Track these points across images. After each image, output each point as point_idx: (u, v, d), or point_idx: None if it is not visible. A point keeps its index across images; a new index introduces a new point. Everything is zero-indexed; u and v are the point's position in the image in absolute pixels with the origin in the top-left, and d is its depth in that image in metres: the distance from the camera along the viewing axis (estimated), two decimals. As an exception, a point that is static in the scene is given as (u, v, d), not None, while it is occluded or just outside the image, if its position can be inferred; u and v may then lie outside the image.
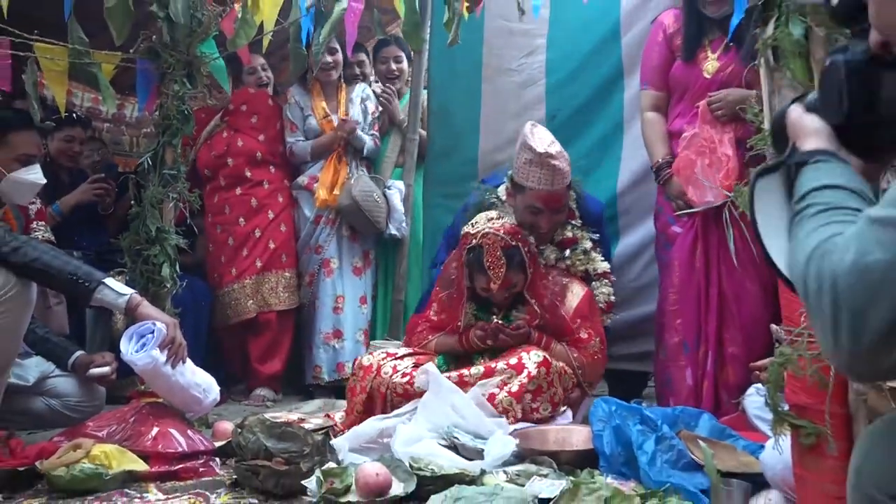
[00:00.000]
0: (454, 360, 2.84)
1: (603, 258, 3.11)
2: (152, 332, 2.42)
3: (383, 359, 2.80)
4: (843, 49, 1.10)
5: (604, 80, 3.57)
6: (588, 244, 3.09)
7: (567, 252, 3.08)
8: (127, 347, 2.41)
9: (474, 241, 2.79)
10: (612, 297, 3.10)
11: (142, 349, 2.40)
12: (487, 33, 3.68)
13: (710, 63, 2.95)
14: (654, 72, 3.13)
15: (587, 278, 3.06)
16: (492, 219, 2.84)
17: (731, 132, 2.87)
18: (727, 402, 2.86)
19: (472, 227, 2.84)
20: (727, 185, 2.77)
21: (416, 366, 2.75)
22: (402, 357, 2.83)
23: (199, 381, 2.57)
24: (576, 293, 2.93)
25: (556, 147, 2.94)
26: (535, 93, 3.52)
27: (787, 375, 1.70)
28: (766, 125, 1.83)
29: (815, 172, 1.01)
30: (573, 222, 3.12)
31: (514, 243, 2.78)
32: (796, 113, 1.14)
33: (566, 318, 2.87)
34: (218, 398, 2.67)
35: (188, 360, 2.53)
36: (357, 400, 2.74)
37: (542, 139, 2.94)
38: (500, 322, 2.79)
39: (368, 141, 3.98)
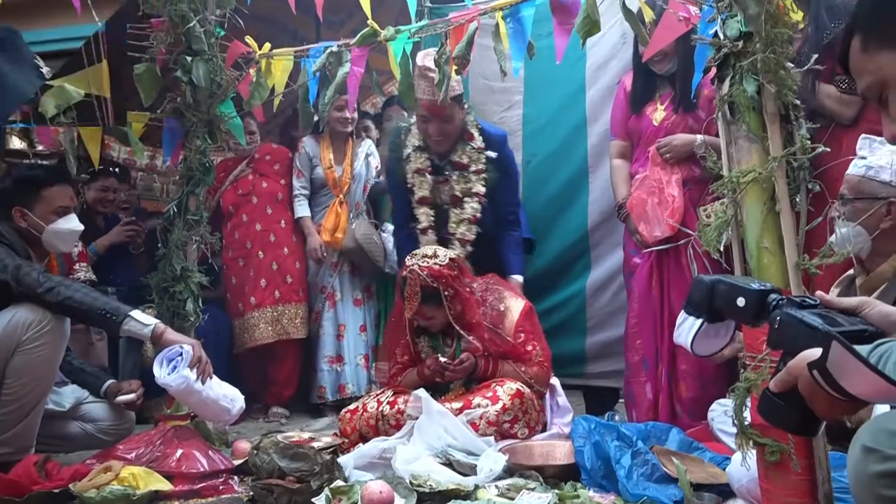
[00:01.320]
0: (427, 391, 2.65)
1: (484, 184, 3.09)
2: (180, 355, 2.33)
3: (366, 400, 2.71)
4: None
5: (572, 129, 3.52)
6: (478, 167, 3.08)
7: (455, 175, 3.10)
8: (160, 372, 2.32)
9: (405, 272, 2.71)
10: (479, 214, 3.09)
11: (173, 371, 2.31)
12: (472, 91, 3.65)
13: (659, 113, 2.94)
14: (618, 124, 3.11)
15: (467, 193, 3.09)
16: (426, 256, 2.71)
17: (679, 174, 2.85)
18: (680, 414, 2.80)
19: (410, 258, 2.74)
20: (671, 225, 2.78)
21: (397, 394, 2.65)
22: (382, 392, 2.74)
23: (226, 393, 2.47)
24: (514, 311, 2.75)
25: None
26: (514, 142, 3.47)
27: (752, 397, 1.63)
28: (725, 172, 1.78)
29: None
30: (472, 144, 3.09)
31: (434, 284, 2.64)
32: (794, 364, 1.07)
33: (510, 340, 2.71)
34: (244, 406, 2.55)
35: (213, 376, 2.43)
36: (351, 439, 2.63)
37: (429, 56, 2.89)
38: (443, 361, 2.65)
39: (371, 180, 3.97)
